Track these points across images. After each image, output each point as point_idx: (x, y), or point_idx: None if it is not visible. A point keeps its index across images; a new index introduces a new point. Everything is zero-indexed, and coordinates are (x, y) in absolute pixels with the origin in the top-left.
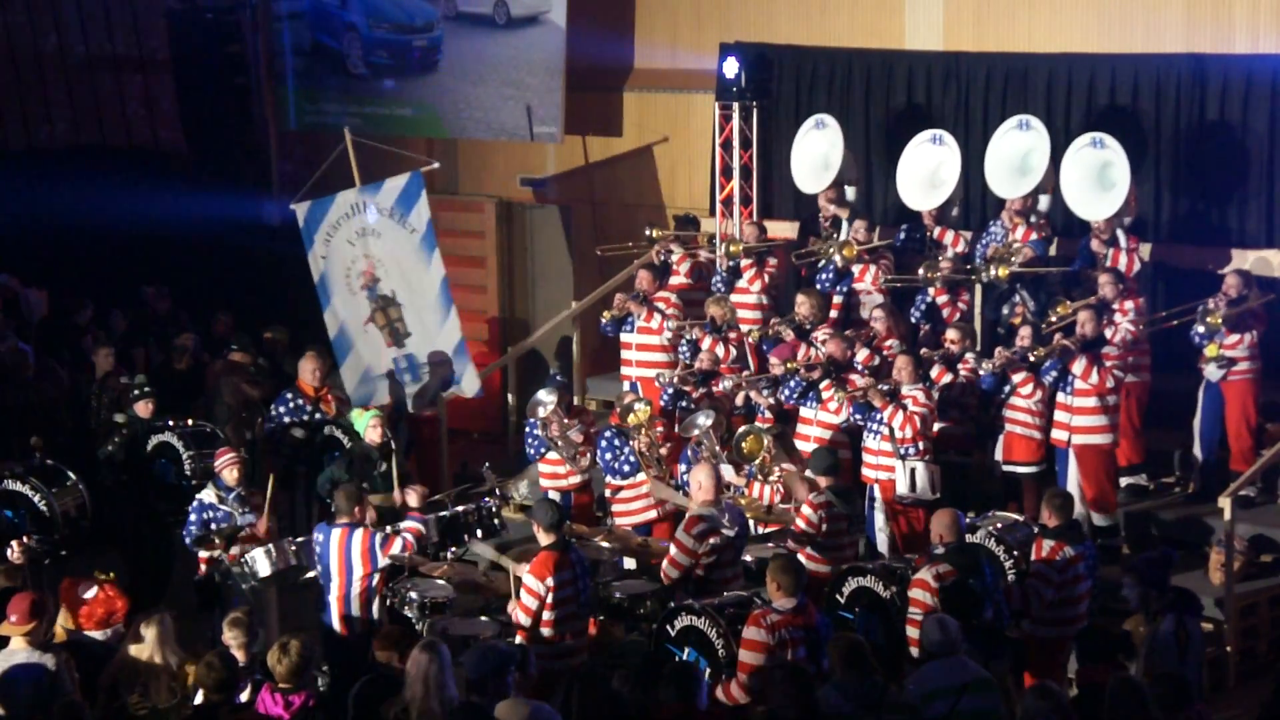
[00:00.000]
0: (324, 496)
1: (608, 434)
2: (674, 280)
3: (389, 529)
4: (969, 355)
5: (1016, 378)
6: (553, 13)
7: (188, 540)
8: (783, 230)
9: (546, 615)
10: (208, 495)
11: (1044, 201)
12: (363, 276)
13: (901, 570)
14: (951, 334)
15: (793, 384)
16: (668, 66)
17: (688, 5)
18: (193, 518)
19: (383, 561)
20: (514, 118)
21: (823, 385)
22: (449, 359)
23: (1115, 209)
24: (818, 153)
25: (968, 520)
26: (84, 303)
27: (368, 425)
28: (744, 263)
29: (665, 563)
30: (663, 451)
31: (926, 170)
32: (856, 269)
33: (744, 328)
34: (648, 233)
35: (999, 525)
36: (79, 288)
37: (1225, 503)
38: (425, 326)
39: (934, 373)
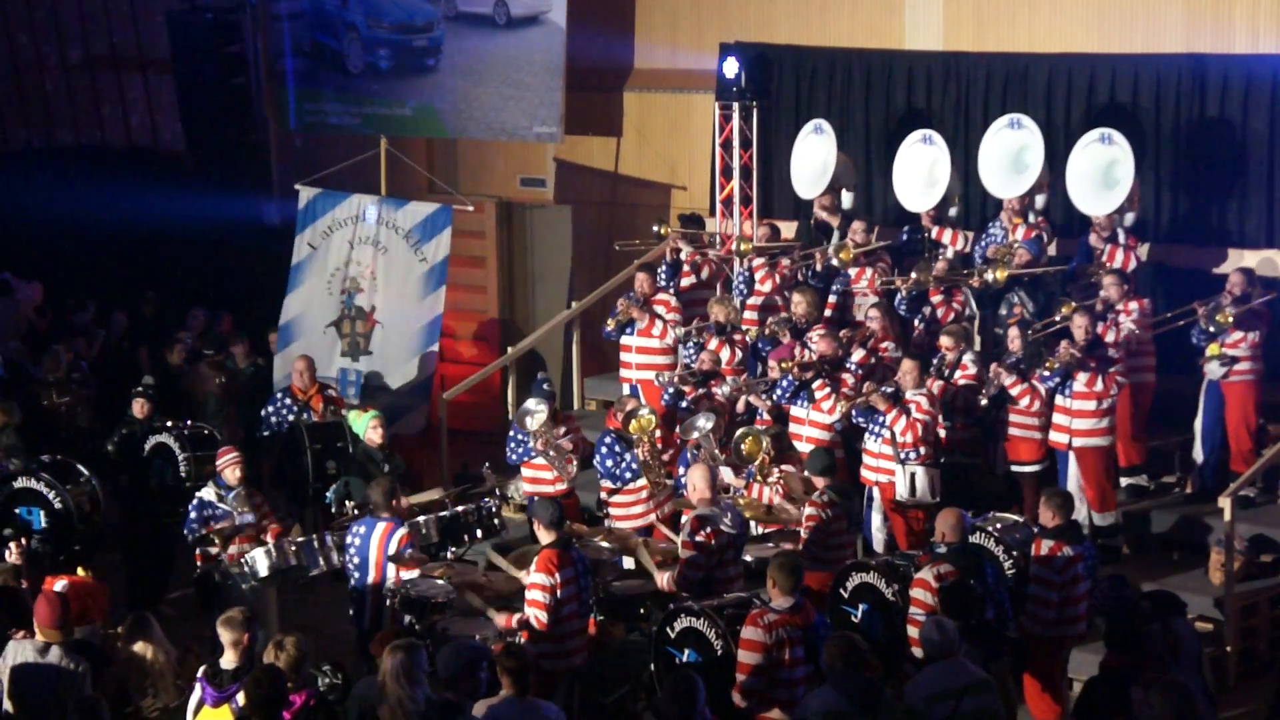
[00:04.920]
0: (332, 506)
1: (608, 439)
2: (685, 281)
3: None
4: (966, 359)
5: (1014, 390)
6: (553, 13)
7: (189, 537)
8: (783, 230)
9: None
10: (207, 493)
11: (1040, 200)
12: (347, 281)
13: (904, 568)
14: (944, 340)
15: (785, 383)
16: (668, 66)
17: (688, 5)
18: (192, 515)
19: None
20: (514, 118)
21: (815, 385)
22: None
23: (1117, 205)
24: (816, 159)
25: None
26: (85, 304)
27: (368, 426)
28: (756, 263)
29: (678, 571)
30: (664, 457)
31: (921, 171)
32: (853, 271)
33: (745, 327)
34: (655, 229)
35: (999, 526)
36: (78, 288)
37: (1225, 503)
38: (391, 353)
39: (936, 387)
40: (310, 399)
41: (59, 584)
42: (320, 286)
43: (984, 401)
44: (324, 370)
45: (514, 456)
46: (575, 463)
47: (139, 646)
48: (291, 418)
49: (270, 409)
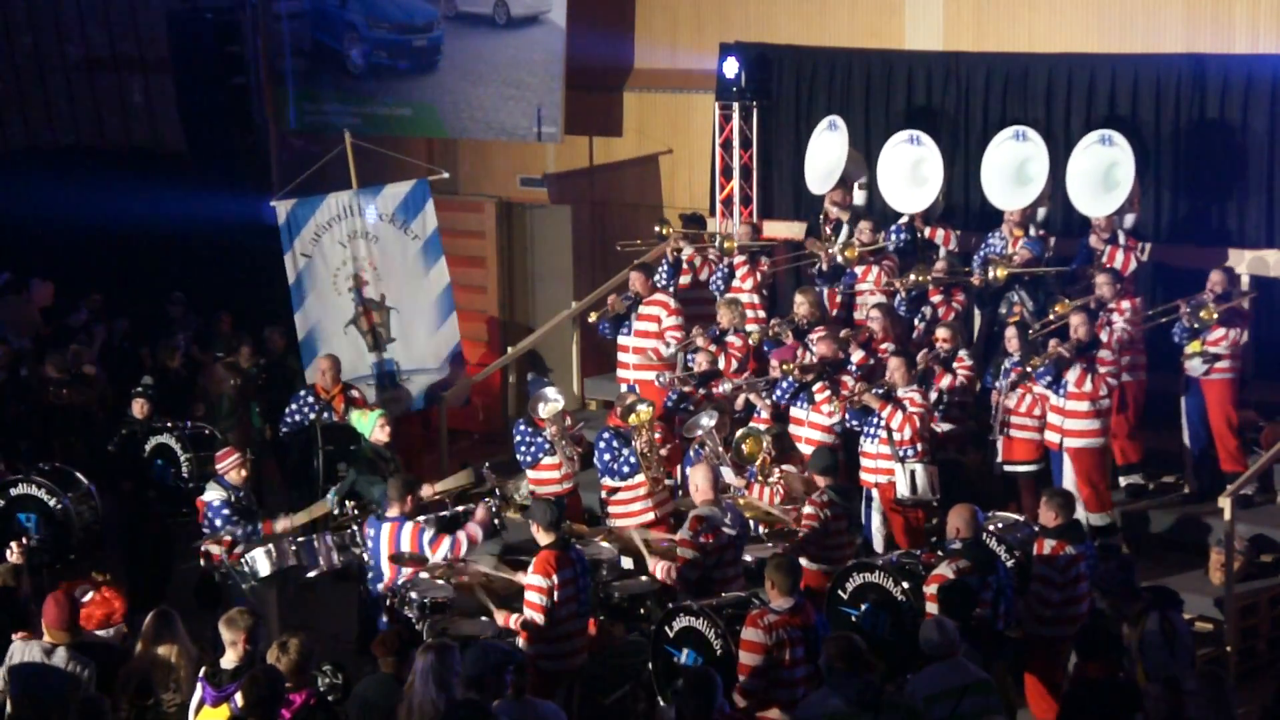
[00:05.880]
0: (336, 505)
1: (606, 435)
2: (685, 280)
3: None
4: (962, 354)
5: (1022, 407)
6: (553, 13)
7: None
8: (783, 230)
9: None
10: (216, 496)
11: (1042, 213)
12: (352, 279)
13: (912, 566)
14: (941, 333)
15: (785, 384)
16: (668, 66)
17: (688, 5)
18: (218, 523)
19: (431, 558)
20: (514, 118)
21: (816, 386)
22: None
23: (1117, 206)
24: (832, 155)
25: None
26: (78, 305)
27: (374, 425)
28: (737, 260)
29: (676, 570)
30: (662, 453)
31: (906, 170)
32: (859, 269)
33: (748, 328)
34: (657, 229)
35: (999, 525)
36: (79, 288)
37: (1225, 503)
38: (412, 334)
39: (942, 382)
40: (333, 399)
41: (87, 593)
42: (327, 291)
43: (994, 438)
44: (358, 371)
45: (528, 459)
46: (578, 454)
47: (163, 643)
48: (313, 416)
49: (293, 407)
